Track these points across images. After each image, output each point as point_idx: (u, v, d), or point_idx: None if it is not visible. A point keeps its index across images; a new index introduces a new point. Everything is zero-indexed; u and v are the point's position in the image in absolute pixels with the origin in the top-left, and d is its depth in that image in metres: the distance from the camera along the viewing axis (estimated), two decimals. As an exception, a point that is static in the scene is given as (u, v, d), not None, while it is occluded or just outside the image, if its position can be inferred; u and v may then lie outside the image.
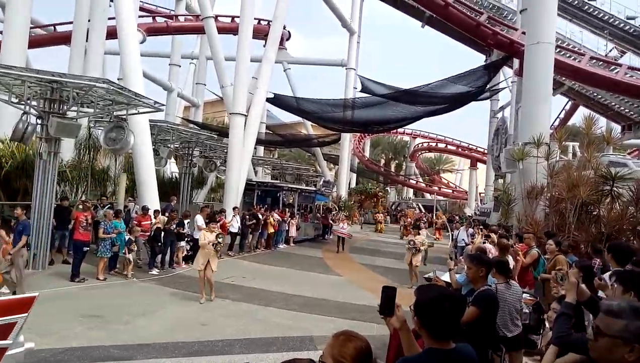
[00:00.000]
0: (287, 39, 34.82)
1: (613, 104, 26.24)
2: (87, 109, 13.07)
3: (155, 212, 12.59)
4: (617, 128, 28.89)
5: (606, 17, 27.74)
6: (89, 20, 18.29)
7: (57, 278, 9.74)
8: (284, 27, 29.39)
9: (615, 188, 12.02)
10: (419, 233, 13.27)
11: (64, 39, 25.69)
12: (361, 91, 25.06)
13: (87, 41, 18.38)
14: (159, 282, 10.44)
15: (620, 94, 22.57)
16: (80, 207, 11.22)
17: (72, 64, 18.12)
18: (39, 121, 10.87)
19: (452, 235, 18.63)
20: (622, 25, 27.51)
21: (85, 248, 10.40)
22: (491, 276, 5.21)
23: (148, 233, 11.89)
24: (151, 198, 14.22)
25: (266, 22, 29.75)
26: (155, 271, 11.31)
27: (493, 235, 10.32)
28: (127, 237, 10.80)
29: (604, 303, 1.84)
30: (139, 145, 14.05)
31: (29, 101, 10.73)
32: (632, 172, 13.28)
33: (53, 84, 10.57)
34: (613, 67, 21.05)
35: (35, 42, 26.90)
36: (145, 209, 12.46)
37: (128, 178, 16.93)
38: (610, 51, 29.04)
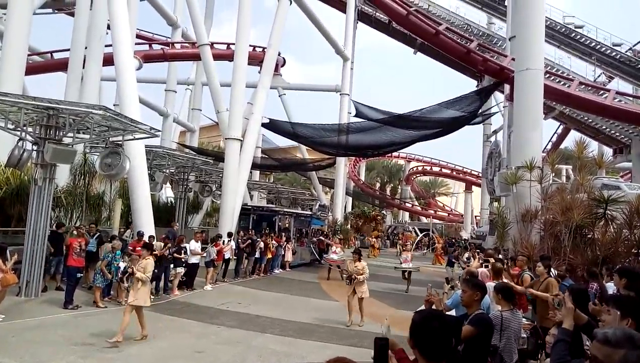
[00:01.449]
0: (282, 65, 35.35)
1: (604, 127, 26.66)
2: (83, 135, 13.12)
3: (150, 237, 12.52)
4: (608, 151, 29.32)
5: (593, 44, 28.44)
6: (85, 48, 18.54)
7: (49, 305, 9.61)
8: (279, 54, 29.87)
9: (608, 211, 12.12)
10: (359, 260, 10.51)
11: (61, 65, 25.94)
12: (355, 116, 25.34)
13: (83, 68, 18.60)
14: (154, 308, 10.28)
15: (610, 118, 22.96)
16: (75, 233, 11.16)
17: (69, 90, 18.28)
18: (35, 147, 10.91)
19: (449, 258, 18.58)
20: (608, 51, 28.19)
21: (79, 275, 10.31)
22: (496, 302, 5.21)
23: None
24: (146, 223, 14.17)
25: (261, 49, 30.28)
26: (152, 297, 11.16)
27: (492, 260, 10.25)
28: (123, 265, 10.68)
29: (599, 332, 1.84)
30: (135, 170, 14.08)
31: (25, 127, 10.78)
32: (625, 194, 13.41)
33: (49, 110, 10.64)
34: (602, 92, 21.48)
35: (32, 69, 27.10)
36: (140, 234, 12.40)
37: (123, 203, 16.89)
38: (598, 76, 29.67)
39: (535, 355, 5.77)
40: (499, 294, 4.98)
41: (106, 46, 18.91)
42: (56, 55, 29.49)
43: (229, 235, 15.69)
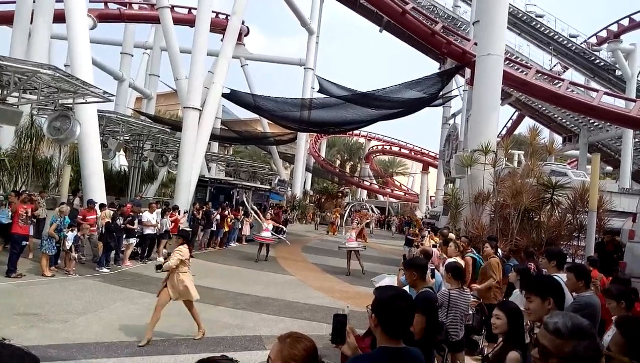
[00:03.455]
0: (246, 35, 34.44)
1: (556, 116, 27.76)
2: (30, 96, 12.39)
3: (101, 206, 12.10)
4: (558, 139, 30.65)
5: (551, 34, 29.29)
6: (34, 1, 17.27)
7: (-10, 273, 9.16)
8: (243, 22, 29.04)
9: (555, 196, 12.73)
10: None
11: (6, 19, 24.14)
12: (318, 92, 25.18)
13: (31, 23, 17.36)
14: (104, 279, 10.04)
15: (562, 107, 23.90)
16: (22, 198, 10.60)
17: (15, 47, 17.03)
18: (-25, 106, 10.20)
19: (406, 237, 18.91)
20: (565, 42, 29.15)
21: (24, 242, 9.86)
22: (446, 281, 5.38)
23: (93, 228, 11.44)
24: (97, 191, 13.65)
25: (224, 16, 29.29)
26: (105, 269, 10.84)
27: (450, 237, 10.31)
28: (72, 235, 10.27)
29: (549, 322, 1.82)
30: (86, 136, 13.44)
31: (-36, 84, 10.05)
32: (571, 181, 14.12)
33: (-8, 67, 9.94)
34: (557, 81, 22.25)
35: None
36: (91, 203, 11.95)
37: (73, 170, 16.15)
38: (554, 66, 30.71)
39: (480, 330, 6.05)
40: (448, 273, 5.16)
41: (57, 1, 17.70)
42: (0, 8, 27.44)
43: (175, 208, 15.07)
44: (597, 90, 22.59)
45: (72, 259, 10.24)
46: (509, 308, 3.30)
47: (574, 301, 4.36)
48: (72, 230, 10.22)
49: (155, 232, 13.00)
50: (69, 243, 10.12)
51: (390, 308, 2.17)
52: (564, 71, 30.24)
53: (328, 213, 34.01)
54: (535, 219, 13.10)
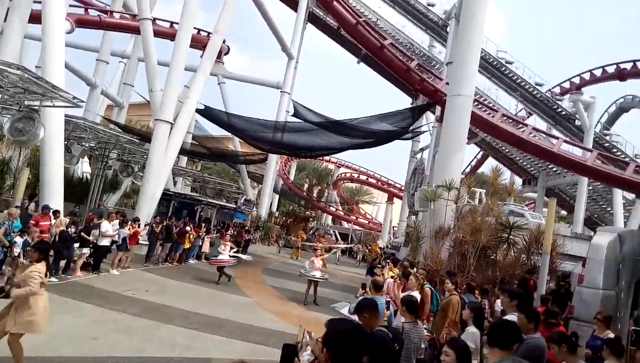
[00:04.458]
0: (226, 53, 34.57)
1: (517, 158, 28.88)
2: (-7, 94, 12.02)
3: (55, 213, 11.71)
4: (519, 181, 31.79)
5: (519, 81, 30.69)
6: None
7: None
8: (224, 41, 29.21)
9: (511, 236, 13.17)
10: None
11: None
12: (293, 115, 25.41)
13: (5, 21, 16.97)
14: (52, 289, 9.59)
15: (524, 151, 24.90)
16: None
17: (-16, 44, 16.60)
18: None
19: (369, 266, 18.90)
20: (531, 89, 30.57)
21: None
22: (400, 313, 5.42)
23: (45, 235, 11.03)
24: (55, 197, 13.23)
25: (206, 34, 29.41)
26: (54, 278, 10.40)
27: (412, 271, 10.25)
28: (21, 240, 9.87)
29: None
30: (49, 139, 13.11)
31: None
32: (528, 222, 14.63)
33: (-45, 61, 9.65)
34: (520, 126, 23.24)
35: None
36: (46, 209, 11.56)
37: (32, 172, 15.64)
38: (519, 111, 32.09)
39: (431, 364, 6.12)
40: (403, 306, 5.21)
41: (36, 3, 17.43)
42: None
43: (136, 220, 14.69)
44: (557, 138, 23.65)
45: (20, 265, 9.81)
46: (458, 345, 3.38)
47: (524, 342, 4.51)
48: (21, 236, 9.83)
49: (110, 243, 12.64)
50: (17, 249, 9.72)
51: (344, 344, 2.04)
52: (528, 117, 31.59)
53: (293, 237, 33.84)
54: (492, 257, 13.47)
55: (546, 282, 11.03)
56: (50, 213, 11.46)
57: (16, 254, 9.72)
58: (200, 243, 18.04)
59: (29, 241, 10.11)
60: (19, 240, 9.75)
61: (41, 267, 5.30)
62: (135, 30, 26.65)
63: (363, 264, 33.68)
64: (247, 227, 24.75)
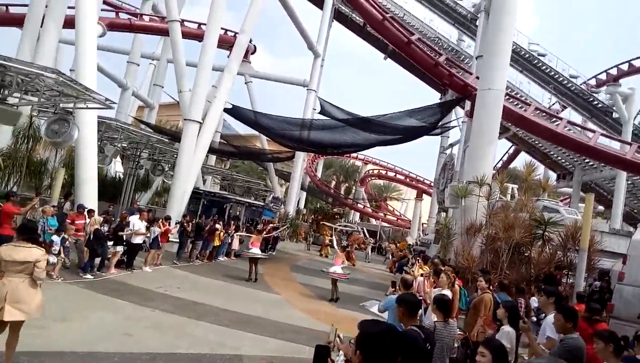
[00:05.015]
0: (252, 53, 34.86)
1: (552, 153, 28.00)
2: (31, 97, 12.43)
3: (90, 211, 12.02)
4: (553, 176, 30.85)
5: (552, 73, 29.79)
6: (46, 6, 17.49)
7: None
8: (250, 41, 29.43)
9: (547, 233, 12.75)
10: None
11: (17, 21, 24.42)
12: (320, 113, 25.37)
13: (41, 27, 17.55)
14: (87, 286, 9.91)
15: (559, 145, 24.12)
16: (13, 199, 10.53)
17: (22, 49, 17.12)
18: (-25, 103, 10.23)
19: (399, 264, 18.80)
20: (565, 82, 29.62)
21: (10, 244, 9.76)
22: (432, 311, 5.30)
23: (81, 233, 11.36)
24: (89, 196, 13.61)
25: (233, 34, 29.70)
26: (89, 275, 10.70)
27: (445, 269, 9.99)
28: (58, 239, 10.17)
29: (533, 361, 1.85)
30: (83, 140, 13.50)
31: (-35, 81, 10.10)
32: (563, 218, 14.16)
33: (-4, 66, 10.01)
34: (555, 119, 22.52)
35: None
36: (80, 208, 11.89)
37: (67, 173, 16.12)
38: (553, 104, 31.14)
39: (464, 363, 5.98)
40: (434, 305, 5.10)
41: (69, 8, 17.94)
42: (12, 10, 27.76)
43: (168, 218, 14.94)
44: (594, 131, 22.84)
45: (58, 262, 10.13)
46: (494, 345, 3.27)
47: (562, 342, 4.32)
48: (58, 234, 10.13)
49: (143, 240, 12.89)
50: (56, 247, 10.03)
51: (376, 345, 2.03)
52: (562, 110, 30.64)
53: (323, 235, 33.81)
54: (526, 254, 13.09)
55: (585, 279, 10.67)
56: (85, 212, 11.77)
57: (55, 252, 10.04)
58: (230, 241, 18.22)
59: (66, 238, 10.45)
60: (56, 238, 10.05)
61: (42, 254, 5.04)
62: (164, 32, 27.17)
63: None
64: (275, 224, 24.87)
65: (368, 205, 55.85)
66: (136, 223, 12.35)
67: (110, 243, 11.51)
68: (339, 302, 12.55)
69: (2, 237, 9.51)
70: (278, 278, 15.57)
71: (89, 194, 13.72)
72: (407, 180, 53.60)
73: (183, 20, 26.83)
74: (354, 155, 50.31)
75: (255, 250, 14.49)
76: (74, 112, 12.57)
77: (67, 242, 10.57)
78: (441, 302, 5.05)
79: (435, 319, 4.98)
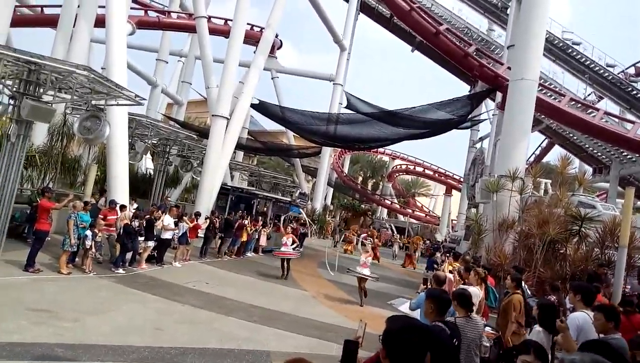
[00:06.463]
0: (279, 48, 34.86)
1: (587, 146, 26.96)
2: (64, 95, 12.68)
3: (122, 207, 12.24)
4: (589, 170, 29.72)
5: (587, 62, 28.68)
6: (78, 6, 17.91)
7: (9, 266, 9.29)
8: (276, 36, 29.43)
9: (583, 229, 12.27)
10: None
11: (51, 21, 25.11)
12: (346, 107, 25.17)
13: (74, 27, 17.97)
14: (119, 280, 10.09)
15: (595, 137, 23.19)
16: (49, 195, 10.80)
17: (56, 48, 17.64)
18: (12, 102, 10.50)
19: (429, 261, 18.43)
20: (601, 71, 28.46)
21: (47, 239, 10.04)
22: (454, 308, 5.13)
23: (113, 228, 11.58)
24: (121, 192, 13.86)
25: (259, 29, 29.75)
26: (121, 270, 10.90)
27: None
28: (91, 234, 10.38)
29: (566, 358, 1.75)
30: (114, 137, 13.74)
31: (3, 80, 10.36)
32: (600, 214, 13.60)
33: (31, 65, 10.22)
34: (590, 110, 21.66)
35: (19, 22, 26.22)
36: (112, 203, 12.11)
37: (100, 169, 16.48)
38: (589, 95, 29.97)
39: (497, 363, 5.78)
40: (455, 300, 4.88)
41: (100, 7, 18.30)
42: (47, 11, 28.57)
43: (197, 214, 15.20)
44: (632, 122, 21.86)
45: (90, 257, 10.35)
46: (534, 346, 3.15)
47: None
48: (90, 229, 10.34)
49: (173, 236, 13.06)
50: (89, 242, 10.25)
51: (402, 343, 1.98)
52: (599, 101, 29.46)
53: (348, 234, 33.65)
54: (561, 251, 12.64)
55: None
56: (117, 208, 11.99)
57: (88, 247, 10.26)
58: (257, 237, 18.30)
59: (96, 233, 10.66)
60: (89, 233, 10.27)
61: None
62: (192, 29, 27.41)
63: (420, 258, 33.01)
64: (302, 221, 24.88)
65: (396, 201, 55.25)
66: (165, 218, 12.53)
67: (141, 238, 11.69)
68: (366, 300, 12.41)
69: (40, 232, 9.81)
70: (305, 275, 15.55)
71: (120, 190, 13.97)
72: (436, 175, 52.63)
73: (210, 17, 27.02)
74: (381, 150, 49.75)
75: (286, 249, 14.35)
76: (105, 109, 12.78)
77: (97, 237, 10.79)
78: (461, 296, 4.83)
79: (457, 315, 4.80)
